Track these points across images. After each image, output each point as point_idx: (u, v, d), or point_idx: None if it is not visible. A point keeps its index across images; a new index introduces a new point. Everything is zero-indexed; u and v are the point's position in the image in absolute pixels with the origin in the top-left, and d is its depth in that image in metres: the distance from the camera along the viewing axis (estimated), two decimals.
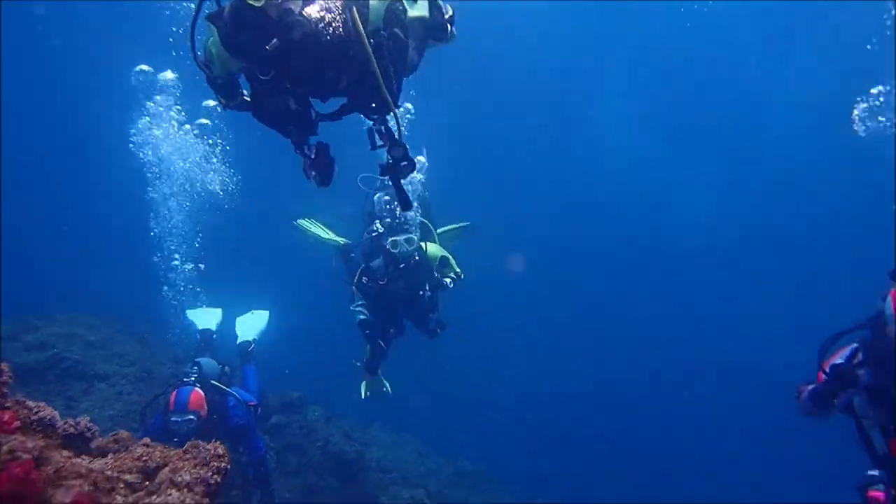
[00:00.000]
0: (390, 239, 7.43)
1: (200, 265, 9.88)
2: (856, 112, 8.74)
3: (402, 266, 7.51)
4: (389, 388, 8.43)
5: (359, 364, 8.25)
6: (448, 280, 7.85)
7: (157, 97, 9.63)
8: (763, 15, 18.35)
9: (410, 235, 7.50)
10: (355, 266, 8.02)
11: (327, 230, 8.71)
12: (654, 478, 15.74)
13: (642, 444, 17.21)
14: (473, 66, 16.74)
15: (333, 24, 3.26)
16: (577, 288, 21.62)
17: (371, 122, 3.80)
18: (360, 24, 3.27)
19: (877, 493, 4.87)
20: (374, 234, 7.68)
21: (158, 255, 10.01)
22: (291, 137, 3.57)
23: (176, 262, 9.93)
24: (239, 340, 8.64)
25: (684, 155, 21.77)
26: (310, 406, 10.58)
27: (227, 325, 8.89)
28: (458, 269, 8.01)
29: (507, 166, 22.24)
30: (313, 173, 3.61)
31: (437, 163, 8.70)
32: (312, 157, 3.57)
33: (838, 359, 4.54)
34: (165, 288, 9.92)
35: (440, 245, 8.21)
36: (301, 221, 8.78)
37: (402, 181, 3.87)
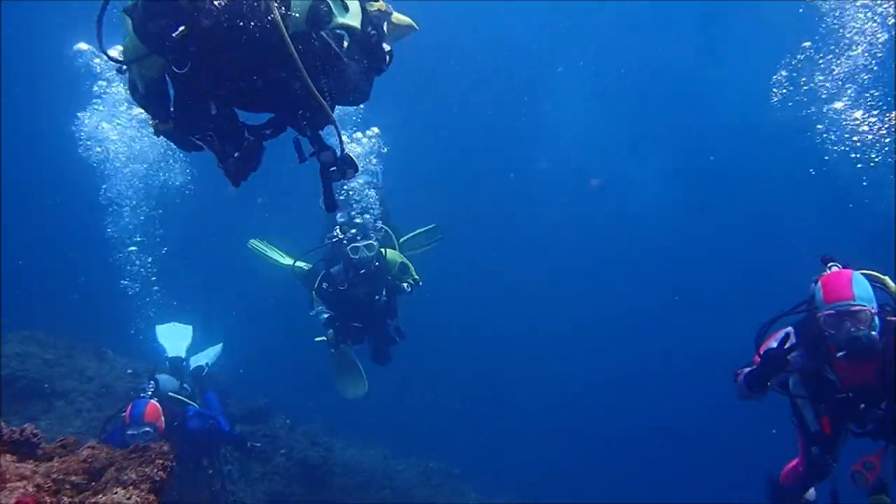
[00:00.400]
0: (351, 245, 7.57)
1: (155, 285, 9.76)
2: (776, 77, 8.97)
3: (362, 272, 7.66)
4: (364, 375, 8.55)
5: (322, 339, 8.33)
6: (406, 285, 8.01)
7: (102, 83, 8.64)
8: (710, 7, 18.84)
9: (371, 241, 7.65)
10: (315, 273, 8.13)
11: (282, 253, 8.78)
12: (626, 477, 15.98)
13: (615, 442, 17.44)
14: (421, 62, 16.78)
15: (251, 17, 3.16)
16: (543, 284, 21.88)
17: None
18: (277, 14, 3.16)
19: (791, 462, 5.11)
20: (333, 241, 7.79)
21: (116, 255, 9.75)
22: (213, 147, 3.48)
23: (132, 248, 9.64)
24: (192, 367, 8.54)
25: (639, 147, 22.23)
26: (274, 414, 10.60)
27: (198, 344, 8.84)
28: (416, 276, 8.19)
29: (461, 164, 22.40)
30: (231, 165, 3.50)
31: (391, 163, 8.86)
32: (234, 157, 3.48)
33: (773, 342, 4.67)
34: (124, 282, 9.71)
35: (405, 251, 8.43)
36: (254, 243, 8.84)
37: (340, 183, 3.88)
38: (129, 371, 8.89)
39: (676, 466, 16.63)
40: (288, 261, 8.57)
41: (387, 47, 3.97)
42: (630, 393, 18.92)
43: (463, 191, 21.68)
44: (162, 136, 3.71)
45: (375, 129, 8.96)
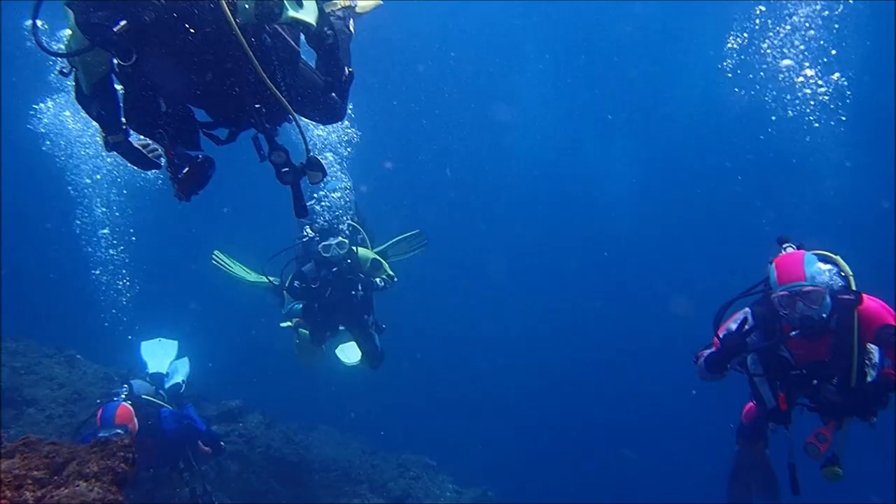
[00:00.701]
0: (322, 244, 7.63)
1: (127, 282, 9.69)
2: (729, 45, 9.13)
3: (334, 270, 7.71)
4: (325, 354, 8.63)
5: (287, 324, 8.42)
6: (379, 280, 8.08)
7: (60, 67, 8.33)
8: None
9: (342, 239, 7.72)
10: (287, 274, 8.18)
11: (247, 268, 8.80)
12: (598, 473, 16.21)
13: (590, 438, 17.65)
14: (383, 56, 16.74)
15: (197, 8, 3.06)
16: (513, 277, 22.05)
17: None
18: (224, 3, 3.05)
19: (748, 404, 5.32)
20: (304, 240, 7.89)
21: (90, 248, 9.60)
22: (164, 148, 3.38)
23: (104, 231, 9.48)
24: (168, 384, 8.45)
25: (605, 139, 22.46)
26: (249, 413, 10.60)
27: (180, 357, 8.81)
28: (390, 272, 8.25)
29: (428, 159, 22.47)
30: (180, 180, 3.38)
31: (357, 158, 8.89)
32: (184, 172, 3.35)
33: (732, 324, 4.86)
34: (97, 272, 9.57)
35: (389, 257, 8.54)
36: (217, 256, 8.83)
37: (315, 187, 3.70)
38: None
39: (652, 458, 16.91)
40: (253, 276, 8.63)
41: (347, 69, 3.85)
42: (603, 383, 19.15)
43: (431, 185, 21.78)
44: (113, 152, 3.57)
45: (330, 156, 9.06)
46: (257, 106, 3.43)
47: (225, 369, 11.92)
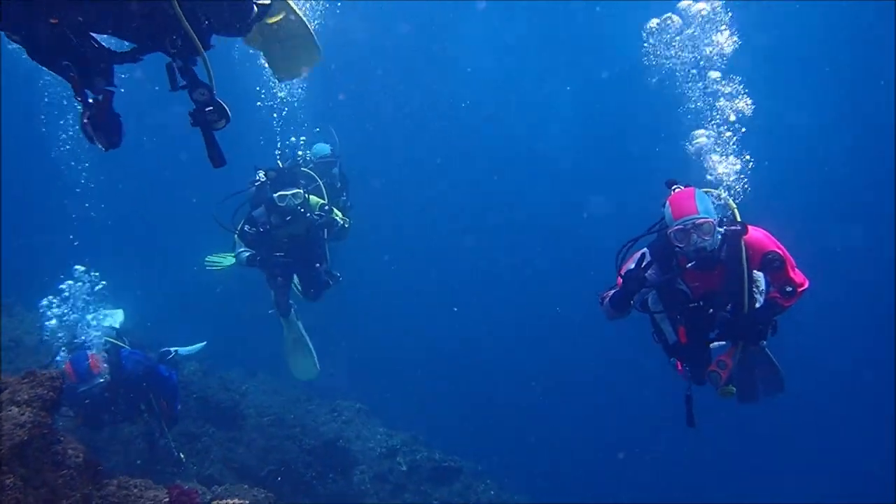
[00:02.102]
0: (278, 193, 7.66)
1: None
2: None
3: (288, 218, 7.81)
4: (314, 355, 9.06)
5: (271, 312, 8.79)
6: (338, 218, 8.15)
7: None
8: None
9: (298, 190, 7.75)
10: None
11: (232, 254, 8.79)
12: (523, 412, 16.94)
13: (516, 384, 18.37)
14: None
15: None
16: (452, 221, 22.44)
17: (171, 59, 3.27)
18: None
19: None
20: (257, 184, 7.89)
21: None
22: (68, 77, 3.08)
23: None
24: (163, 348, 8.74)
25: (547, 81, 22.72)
26: (187, 360, 10.95)
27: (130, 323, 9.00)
28: (340, 218, 8.42)
29: (375, 103, 22.48)
30: (95, 131, 3.17)
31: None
32: (94, 108, 3.13)
33: (632, 263, 5.22)
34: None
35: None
36: (210, 260, 8.96)
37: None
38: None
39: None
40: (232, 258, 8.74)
41: None
42: (530, 327, 19.67)
43: (375, 127, 21.84)
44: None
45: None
46: (172, 38, 3.21)
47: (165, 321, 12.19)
